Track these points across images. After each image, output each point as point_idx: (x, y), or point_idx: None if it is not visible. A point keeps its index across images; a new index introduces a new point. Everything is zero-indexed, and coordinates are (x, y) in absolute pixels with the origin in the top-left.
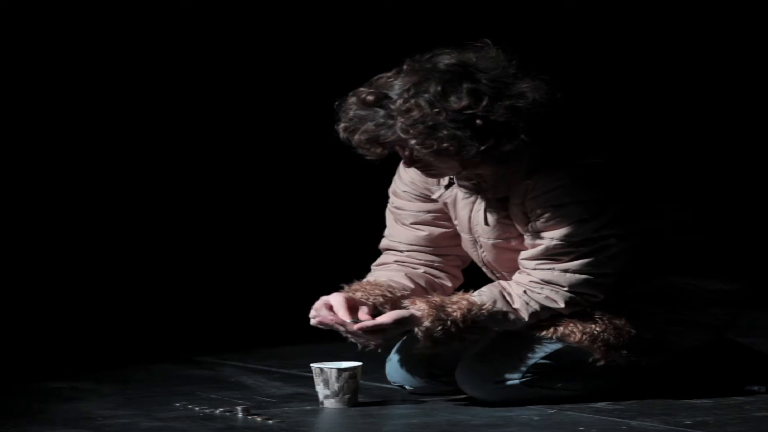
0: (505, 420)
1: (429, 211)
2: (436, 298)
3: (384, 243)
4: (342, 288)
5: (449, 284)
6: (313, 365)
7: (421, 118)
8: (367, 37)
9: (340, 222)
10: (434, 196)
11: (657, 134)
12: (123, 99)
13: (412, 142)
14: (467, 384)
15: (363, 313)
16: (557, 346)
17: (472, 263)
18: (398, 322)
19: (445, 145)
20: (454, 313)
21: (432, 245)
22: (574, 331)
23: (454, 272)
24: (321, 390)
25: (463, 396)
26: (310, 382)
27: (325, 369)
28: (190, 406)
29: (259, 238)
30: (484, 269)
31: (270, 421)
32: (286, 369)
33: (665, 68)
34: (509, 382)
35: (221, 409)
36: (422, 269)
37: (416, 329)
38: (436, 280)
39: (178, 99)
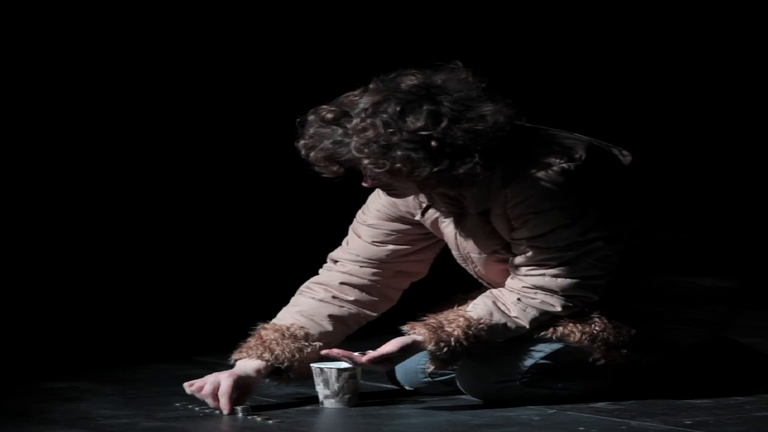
0: (505, 420)
1: (399, 231)
2: (433, 320)
3: (337, 253)
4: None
5: (374, 313)
6: (313, 365)
7: (375, 137)
8: (363, 38)
9: (340, 223)
10: (416, 218)
11: (649, 133)
12: (120, 100)
13: (365, 161)
14: (467, 384)
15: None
16: (557, 346)
17: (445, 266)
18: (404, 350)
19: (397, 165)
20: (455, 332)
21: (388, 262)
22: (574, 331)
23: (392, 294)
24: (321, 390)
25: (463, 396)
26: (310, 382)
27: (325, 369)
28: (190, 406)
29: (259, 238)
30: (480, 281)
31: (270, 421)
32: None
33: (661, 67)
34: (509, 382)
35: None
36: (366, 281)
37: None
38: (370, 299)
39: (176, 101)
